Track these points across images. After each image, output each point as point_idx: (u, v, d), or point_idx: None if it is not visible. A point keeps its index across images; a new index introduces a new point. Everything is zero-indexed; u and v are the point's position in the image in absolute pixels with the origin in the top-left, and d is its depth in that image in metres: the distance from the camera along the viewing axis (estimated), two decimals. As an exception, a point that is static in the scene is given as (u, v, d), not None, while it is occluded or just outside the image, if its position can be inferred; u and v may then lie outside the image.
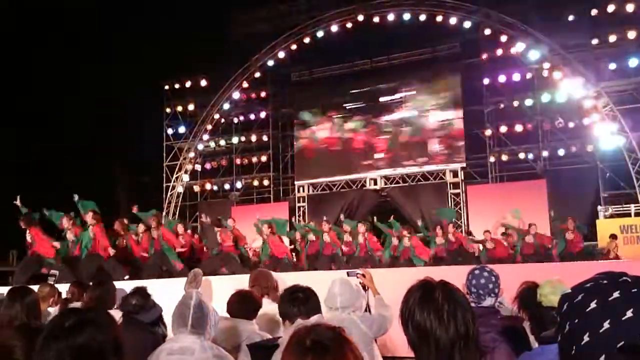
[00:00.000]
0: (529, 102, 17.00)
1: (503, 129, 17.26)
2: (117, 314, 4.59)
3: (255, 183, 20.01)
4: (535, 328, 2.90)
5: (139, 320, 3.82)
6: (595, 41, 16.07)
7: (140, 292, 4.05)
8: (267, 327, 4.14)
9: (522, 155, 17.15)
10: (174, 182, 20.23)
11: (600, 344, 1.05)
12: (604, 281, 1.13)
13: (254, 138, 20.11)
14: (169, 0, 19.51)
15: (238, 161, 20.25)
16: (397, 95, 18.62)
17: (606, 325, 1.05)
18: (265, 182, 20.00)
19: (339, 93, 19.31)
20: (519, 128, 17.08)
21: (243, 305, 3.99)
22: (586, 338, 1.07)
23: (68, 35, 18.79)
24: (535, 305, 2.88)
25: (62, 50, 18.87)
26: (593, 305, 1.09)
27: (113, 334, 1.79)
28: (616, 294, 1.08)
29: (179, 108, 20.53)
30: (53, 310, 5.06)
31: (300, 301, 3.31)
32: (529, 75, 17.02)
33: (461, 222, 17.01)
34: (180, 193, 20.31)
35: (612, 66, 15.87)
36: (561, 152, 16.70)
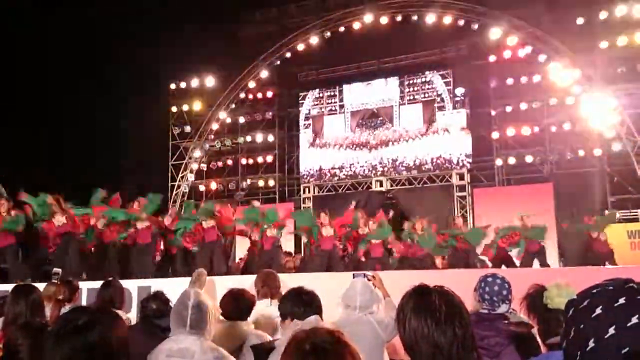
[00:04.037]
0: (536, 104, 16.93)
1: (510, 131, 17.20)
2: (122, 315, 4.62)
3: (261, 183, 20.04)
4: (542, 331, 2.90)
5: (157, 325, 3.82)
6: (604, 44, 16.00)
7: (161, 297, 4.04)
8: (271, 329, 4.16)
9: (529, 159, 17.07)
10: (180, 181, 20.28)
11: (605, 350, 1.04)
12: (610, 287, 1.13)
13: (259, 138, 20.12)
14: (177, -1, 19.54)
15: (244, 161, 20.28)
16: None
17: (611, 331, 1.04)
18: (271, 183, 20.03)
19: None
20: (526, 131, 17.02)
21: (236, 305, 3.98)
22: (591, 344, 1.06)
23: (73, 33, 18.84)
24: (542, 307, 2.88)
25: (67, 48, 18.93)
26: (599, 311, 1.09)
27: (122, 333, 1.84)
28: (622, 300, 1.07)
29: (185, 107, 20.57)
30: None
31: (303, 303, 3.31)
32: (536, 78, 16.94)
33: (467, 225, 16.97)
34: (186, 192, 20.36)
35: (621, 69, 15.80)
36: (568, 155, 16.64)
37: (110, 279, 5.50)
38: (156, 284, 7.63)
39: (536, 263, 10.79)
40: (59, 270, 7.92)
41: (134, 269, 10.21)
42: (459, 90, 18.00)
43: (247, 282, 4.91)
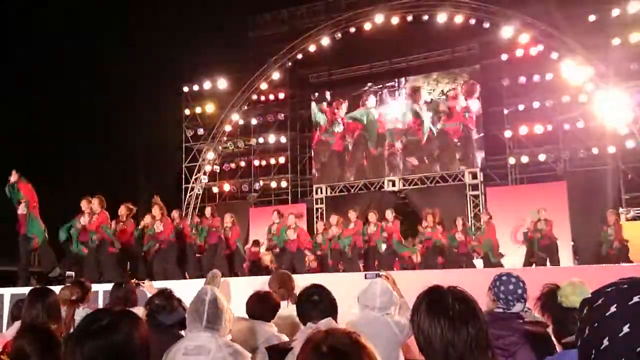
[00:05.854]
0: (549, 103, 16.82)
1: (523, 130, 17.08)
2: (138, 311, 4.66)
3: (274, 184, 20.07)
4: (557, 330, 2.88)
5: (160, 321, 3.85)
6: (616, 41, 15.86)
7: (165, 293, 4.08)
8: (290, 330, 4.17)
9: (542, 157, 16.95)
10: (193, 183, 20.37)
11: (619, 348, 1.04)
12: (625, 285, 1.13)
13: (272, 139, 20.16)
14: (189, 2, 19.65)
15: (256, 162, 20.33)
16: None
17: (626, 329, 1.04)
18: (284, 184, 20.04)
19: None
20: (539, 129, 16.90)
21: (262, 306, 4.02)
22: (606, 342, 1.07)
23: (88, 36, 19.01)
24: (556, 306, 2.87)
25: (82, 52, 19.09)
26: (613, 309, 1.09)
27: (144, 333, 1.87)
28: (636, 299, 1.07)
29: (198, 110, 20.66)
30: (79, 313, 5.13)
31: (315, 303, 3.32)
32: (549, 76, 16.83)
33: (480, 225, 16.87)
34: (199, 194, 20.44)
35: (634, 66, 15.67)
36: (582, 153, 16.51)
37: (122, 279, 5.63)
38: (168, 286, 7.66)
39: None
40: (72, 273, 7.97)
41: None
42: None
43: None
